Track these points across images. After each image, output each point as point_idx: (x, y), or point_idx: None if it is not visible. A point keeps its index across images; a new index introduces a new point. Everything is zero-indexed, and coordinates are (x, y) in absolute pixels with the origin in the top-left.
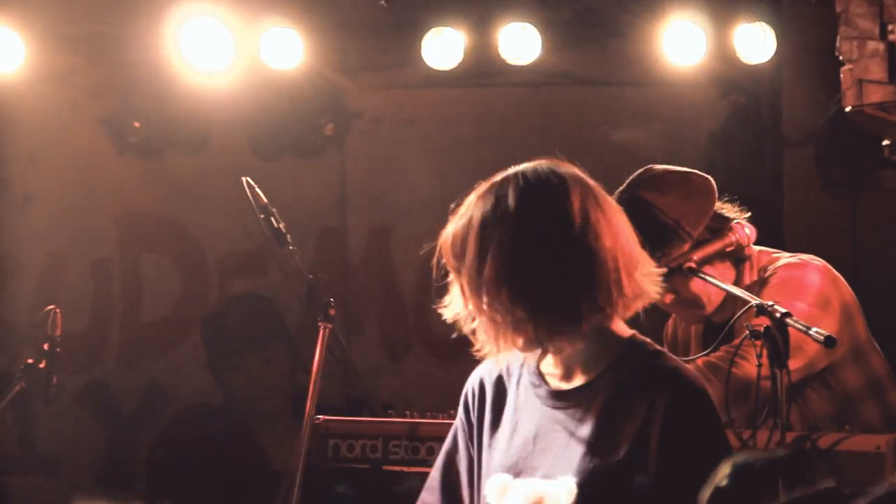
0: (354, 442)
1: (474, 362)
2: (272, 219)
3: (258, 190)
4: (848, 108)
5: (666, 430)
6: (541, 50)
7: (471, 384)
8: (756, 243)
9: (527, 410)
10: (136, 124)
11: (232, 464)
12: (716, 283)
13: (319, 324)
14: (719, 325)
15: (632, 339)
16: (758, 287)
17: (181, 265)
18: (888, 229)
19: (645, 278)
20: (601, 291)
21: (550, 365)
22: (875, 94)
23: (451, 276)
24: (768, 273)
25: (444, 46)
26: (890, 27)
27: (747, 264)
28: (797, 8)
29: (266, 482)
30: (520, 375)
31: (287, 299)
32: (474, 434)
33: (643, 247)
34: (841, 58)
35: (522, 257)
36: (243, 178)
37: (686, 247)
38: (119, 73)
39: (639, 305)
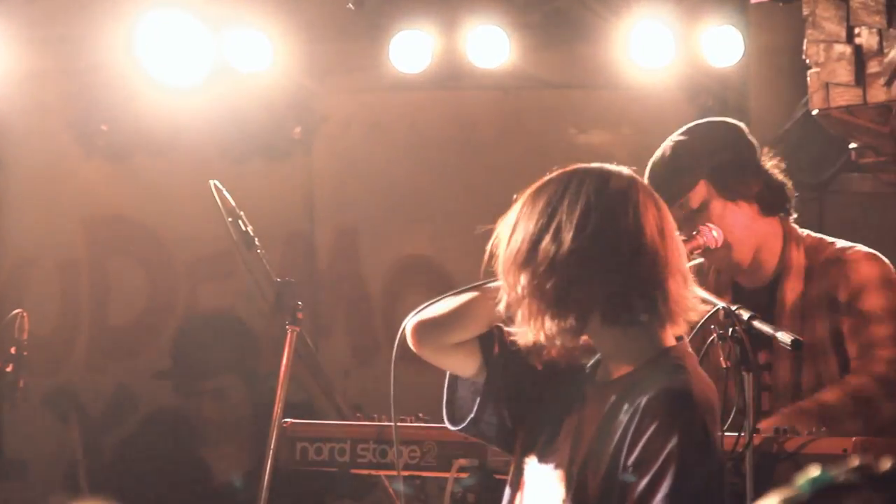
0: (322, 445)
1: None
2: (240, 222)
3: (226, 193)
4: (815, 112)
5: (635, 428)
6: (509, 53)
7: None
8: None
9: (572, 393)
10: (104, 127)
11: (198, 468)
12: None
13: (287, 327)
14: (750, 291)
15: (668, 349)
16: (833, 268)
17: (149, 268)
18: (855, 232)
19: (691, 296)
20: (655, 290)
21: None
22: (842, 98)
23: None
24: (837, 257)
25: (412, 50)
26: (857, 30)
27: (793, 241)
28: (764, 11)
29: (234, 486)
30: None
31: (255, 302)
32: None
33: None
34: (808, 61)
35: (593, 244)
36: (211, 182)
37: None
38: (86, 77)
39: (683, 322)
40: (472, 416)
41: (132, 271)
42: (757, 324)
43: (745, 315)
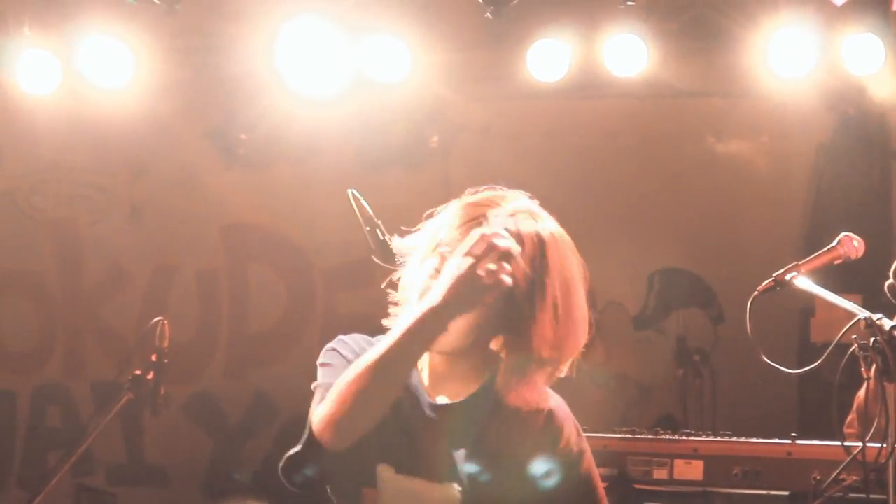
0: None
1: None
2: (378, 231)
3: (364, 202)
4: None
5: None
6: (647, 62)
7: None
8: (864, 256)
9: (410, 415)
10: (243, 136)
11: None
12: (820, 293)
13: None
14: None
15: None
16: None
17: (287, 277)
18: None
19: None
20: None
21: (427, 379)
22: None
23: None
24: None
25: (549, 58)
26: None
27: None
28: None
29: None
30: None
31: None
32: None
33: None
34: None
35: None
36: (349, 191)
37: None
38: (226, 86)
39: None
40: None
41: (270, 279)
42: None
43: (888, 325)
